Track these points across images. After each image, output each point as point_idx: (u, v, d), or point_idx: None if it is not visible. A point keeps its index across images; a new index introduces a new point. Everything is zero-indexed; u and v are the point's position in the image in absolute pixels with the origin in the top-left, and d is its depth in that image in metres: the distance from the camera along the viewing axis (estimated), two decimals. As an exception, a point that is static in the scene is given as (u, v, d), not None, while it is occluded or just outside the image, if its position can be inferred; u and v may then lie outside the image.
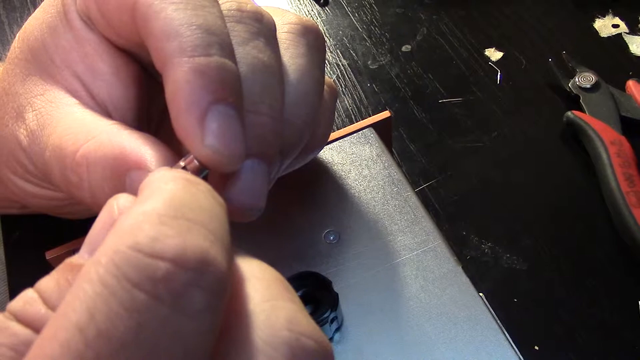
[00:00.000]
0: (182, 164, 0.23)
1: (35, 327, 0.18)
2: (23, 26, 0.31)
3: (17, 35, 0.31)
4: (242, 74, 0.25)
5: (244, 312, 0.19)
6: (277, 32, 0.29)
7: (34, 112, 0.28)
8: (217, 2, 0.26)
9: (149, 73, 0.30)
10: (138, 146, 0.24)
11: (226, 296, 0.18)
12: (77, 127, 0.26)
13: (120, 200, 0.20)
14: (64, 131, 0.27)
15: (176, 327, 0.16)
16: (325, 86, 0.32)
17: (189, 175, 0.20)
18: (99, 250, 0.17)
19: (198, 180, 0.20)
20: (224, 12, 0.26)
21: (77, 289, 0.16)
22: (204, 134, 0.22)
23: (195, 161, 0.23)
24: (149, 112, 0.31)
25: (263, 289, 0.20)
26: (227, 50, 0.24)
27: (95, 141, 0.25)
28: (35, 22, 0.30)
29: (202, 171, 0.23)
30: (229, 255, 0.18)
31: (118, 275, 0.16)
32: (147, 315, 0.16)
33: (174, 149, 0.25)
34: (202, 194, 0.19)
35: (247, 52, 0.26)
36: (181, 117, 0.23)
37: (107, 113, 0.28)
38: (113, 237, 0.17)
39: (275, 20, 0.29)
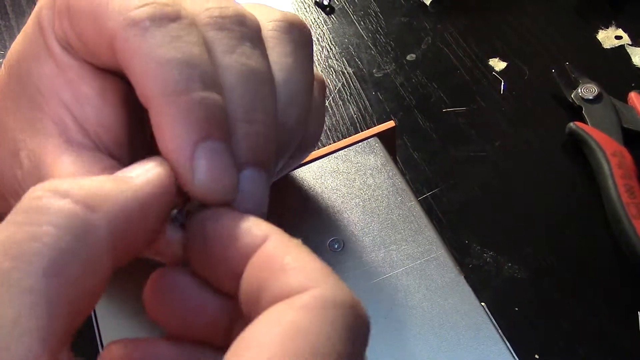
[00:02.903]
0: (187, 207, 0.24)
1: None
2: (8, 52, 0.30)
3: (3, 62, 0.30)
4: (232, 84, 0.25)
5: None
6: (262, 30, 0.28)
7: (27, 151, 0.28)
8: (193, 25, 0.25)
9: None
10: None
11: None
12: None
13: None
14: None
15: None
16: (314, 82, 0.31)
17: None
18: None
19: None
20: (205, 20, 0.26)
21: None
22: (194, 172, 0.23)
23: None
24: (145, 124, 0.31)
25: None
26: (209, 81, 0.24)
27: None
28: (19, 48, 0.29)
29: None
30: None
31: None
32: None
33: None
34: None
35: (234, 61, 0.25)
36: (170, 158, 0.23)
37: (99, 139, 0.28)
38: None
39: (258, 19, 0.28)
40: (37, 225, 0.18)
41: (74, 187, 0.19)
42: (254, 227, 0.22)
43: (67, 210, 0.19)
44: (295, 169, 0.37)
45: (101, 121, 0.27)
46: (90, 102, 0.27)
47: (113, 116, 0.28)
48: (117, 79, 0.28)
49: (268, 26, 0.29)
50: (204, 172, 0.23)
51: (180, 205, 0.24)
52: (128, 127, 0.29)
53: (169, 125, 0.23)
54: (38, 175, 0.27)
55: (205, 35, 0.25)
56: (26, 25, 0.29)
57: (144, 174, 0.22)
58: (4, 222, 0.18)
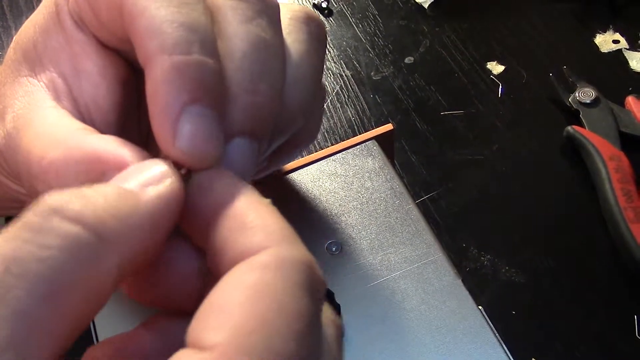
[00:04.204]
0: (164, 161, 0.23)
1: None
2: (19, 30, 0.31)
3: (14, 39, 0.31)
4: (243, 52, 0.25)
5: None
6: (281, 17, 0.29)
7: (13, 114, 0.28)
8: None
9: (142, 78, 0.31)
10: (113, 147, 0.24)
11: None
12: (46, 132, 0.26)
13: None
14: (34, 136, 0.27)
15: None
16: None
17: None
18: None
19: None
20: None
21: None
22: (177, 135, 0.23)
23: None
24: (141, 117, 0.32)
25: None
26: (209, 48, 0.24)
27: (63, 147, 0.25)
28: (29, 24, 0.30)
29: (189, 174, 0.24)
30: None
31: None
32: None
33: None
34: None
35: (249, 30, 0.26)
36: (156, 119, 0.23)
37: (89, 115, 0.28)
38: None
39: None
40: (44, 248, 0.18)
41: (86, 209, 0.19)
42: (227, 185, 0.22)
43: (77, 237, 0.18)
44: (292, 171, 0.37)
45: (95, 98, 0.28)
46: (89, 78, 0.28)
47: (108, 96, 0.28)
48: (119, 61, 0.29)
49: (287, 14, 0.29)
50: (187, 137, 0.23)
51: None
52: (120, 111, 0.29)
53: (162, 83, 0.23)
54: (17, 139, 0.27)
55: (225, 4, 0.26)
56: (41, 4, 0.30)
57: (155, 188, 0.22)
58: (10, 232, 0.18)
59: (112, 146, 0.24)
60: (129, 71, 0.30)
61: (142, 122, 0.33)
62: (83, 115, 0.28)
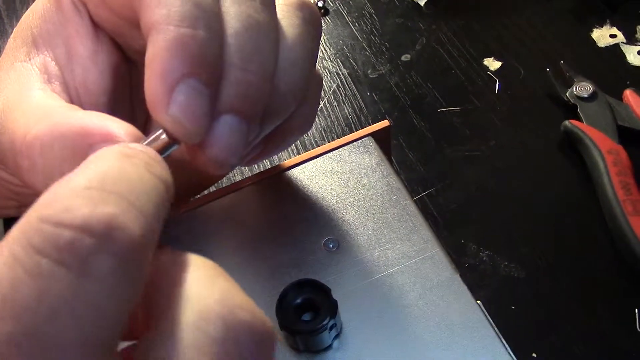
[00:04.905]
0: (151, 137, 0.24)
1: None
2: (20, 20, 0.32)
3: (15, 29, 0.32)
4: (235, 30, 0.25)
5: (177, 291, 0.19)
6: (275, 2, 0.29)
7: (3, 98, 0.28)
8: None
9: (135, 69, 0.31)
10: (101, 120, 0.24)
11: (142, 262, 0.18)
12: (32, 110, 0.26)
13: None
14: (20, 114, 0.27)
15: (83, 291, 0.17)
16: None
17: (128, 149, 0.20)
18: (17, 224, 0.18)
19: (136, 153, 0.20)
20: None
21: None
22: (170, 103, 0.23)
23: (164, 135, 0.24)
24: (135, 109, 0.32)
25: (197, 271, 0.20)
26: (214, 28, 0.25)
27: (49, 121, 0.25)
28: (28, 12, 0.31)
29: (171, 145, 0.24)
30: (146, 223, 0.19)
31: (24, 243, 0.17)
32: (50, 280, 0.16)
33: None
34: (133, 166, 0.20)
35: (241, 11, 0.26)
36: (152, 82, 0.23)
37: (78, 99, 0.29)
38: (30, 211, 0.18)
39: None
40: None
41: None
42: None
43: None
44: (289, 169, 0.37)
45: (86, 82, 0.28)
46: (81, 62, 0.28)
47: (98, 81, 0.29)
48: (113, 48, 0.29)
49: (281, 1, 0.29)
50: (179, 107, 0.23)
51: None
52: (110, 98, 0.29)
53: (164, 50, 0.23)
54: (3, 121, 0.27)
55: None
56: None
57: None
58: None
59: (99, 119, 0.24)
60: (122, 59, 0.30)
61: (137, 114, 0.33)
62: (72, 98, 0.28)
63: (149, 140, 0.24)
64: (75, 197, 0.18)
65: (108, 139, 0.23)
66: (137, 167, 0.20)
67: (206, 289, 0.19)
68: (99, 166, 0.19)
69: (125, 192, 0.18)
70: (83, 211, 0.17)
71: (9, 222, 0.46)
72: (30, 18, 0.30)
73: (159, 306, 0.19)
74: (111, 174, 0.19)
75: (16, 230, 0.17)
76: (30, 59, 0.29)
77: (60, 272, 0.17)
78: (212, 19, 0.25)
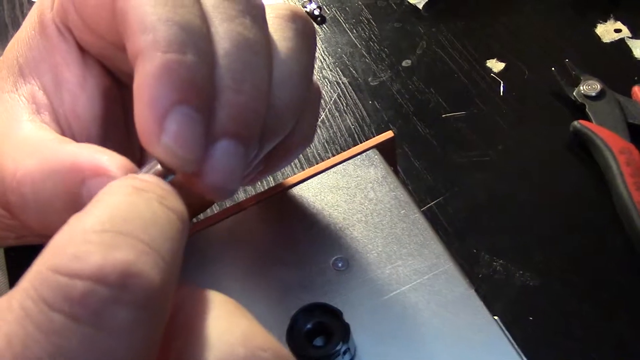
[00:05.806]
0: (145, 169, 0.23)
1: None
2: (6, 48, 0.31)
3: (1, 57, 0.31)
4: (225, 51, 0.24)
5: (198, 331, 0.19)
6: (266, 16, 0.28)
7: None
8: (199, 2, 0.25)
9: (127, 91, 0.30)
10: (91, 153, 0.24)
11: (161, 308, 0.17)
12: (20, 144, 0.26)
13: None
14: (9, 148, 0.26)
15: (99, 346, 0.16)
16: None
17: (138, 182, 0.19)
18: (26, 273, 0.17)
19: (147, 186, 0.19)
20: None
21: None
22: (161, 133, 0.22)
23: (159, 166, 0.23)
24: (130, 133, 0.31)
25: (218, 309, 0.20)
26: (203, 51, 0.24)
27: (39, 157, 0.25)
28: (13, 40, 0.30)
29: (167, 176, 0.23)
30: (164, 265, 0.18)
31: (35, 297, 0.16)
32: (64, 336, 0.16)
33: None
34: (145, 201, 0.19)
35: (231, 29, 0.25)
36: (142, 112, 0.22)
37: (69, 127, 0.28)
38: (39, 259, 0.17)
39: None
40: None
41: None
42: None
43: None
44: (293, 186, 0.36)
45: (75, 109, 0.28)
46: (69, 89, 0.28)
47: (89, 107, 0.28)
48: (101, 72, 0.29)
49: (272, 13, 0.29)
50: (172, 137, 0.22)
51: None
52: (102, 124, 0.29)
53: (153, 78, 0.22)
54: None
55: (207, 3, 0.25)
56: (25, 19, 0.30)
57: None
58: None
59: (89, 152, 0.24)
60: (113, 83, 0.29)
61: (133, 137, 0.32)
62: (63, 128, 0.28)
63: (143, 171, 0.23)
64: (85, 243, 0.17)
65: (100, 173, 0.23)
66: (150, 201, 0.19)
67: (227, 330, 0.19)
68: (109, 204, 0.18)
69: (139, 232, 0.17)
70: (95, 259, 0.16)
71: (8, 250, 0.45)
72: (15, 47, 0.29)
73: (178, 347, 0.18)
74: (122, 211, 0.18)
75: (26, 281, 0.16)
76: (17, 89, 0.28)
77: (74, 327, 0.16)
78: (201, 41, 0.24)
